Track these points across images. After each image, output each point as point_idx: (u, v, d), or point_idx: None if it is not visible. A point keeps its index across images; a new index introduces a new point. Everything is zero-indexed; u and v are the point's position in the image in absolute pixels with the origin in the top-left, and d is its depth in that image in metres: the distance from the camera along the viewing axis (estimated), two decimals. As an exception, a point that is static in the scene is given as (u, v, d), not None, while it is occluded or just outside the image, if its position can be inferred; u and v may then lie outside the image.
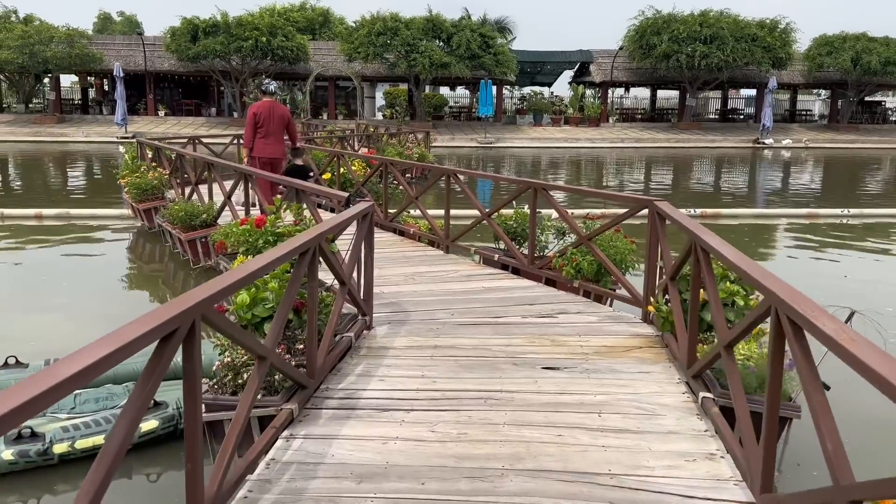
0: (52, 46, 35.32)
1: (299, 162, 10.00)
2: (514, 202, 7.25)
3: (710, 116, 47.27)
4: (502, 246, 7.36)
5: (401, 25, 36.12)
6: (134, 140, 12.38)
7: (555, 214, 6.99)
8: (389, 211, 9.28)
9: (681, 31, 36.56)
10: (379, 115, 45.34)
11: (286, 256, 3.29)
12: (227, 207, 8.18)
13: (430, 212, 8.87)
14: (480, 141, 35.39)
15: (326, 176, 10.66)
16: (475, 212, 8.50)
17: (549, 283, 6.47)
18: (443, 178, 8.03)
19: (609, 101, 43.13)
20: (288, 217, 5.79)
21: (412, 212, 9.18)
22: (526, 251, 6.98)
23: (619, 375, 4.28)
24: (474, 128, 39.98)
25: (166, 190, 10.70)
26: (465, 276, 6.80)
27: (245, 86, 36.63)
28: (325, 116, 41.77)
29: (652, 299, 4.96)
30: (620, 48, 40.57)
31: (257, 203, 7.44)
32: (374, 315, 5.29)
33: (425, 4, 39.98)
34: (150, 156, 12.13)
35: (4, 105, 43.87)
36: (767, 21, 38.26)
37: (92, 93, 46.00)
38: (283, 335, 3.96)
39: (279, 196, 6.34)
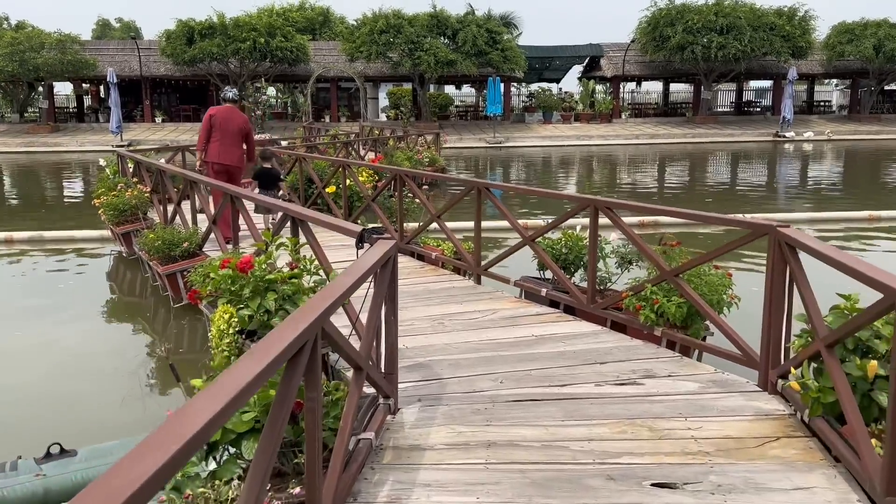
0: (44, 53, 34.04)
1: (268, 165, 9.04)
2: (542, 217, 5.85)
3: (723, 109, 45.75)
4: (548, 274, 5.98)
5: (404, 23, 34.74)
6: (114, 151, 11.03)
7: (613, 235, 5.62)
8: (406, 230, 7.92)
9: (695, 22, 35.08)
10: (383, 117, 43.97)
11: (271, 368, 1.92)
12: (213, 234, 6.82)
13: (453, 225, 7.49)
14: (489, 141, 34.01)
15: (331, 189, 9.31)
16: (504, 223, 7.10)
17: (616, 325, 5.10)
18: (471, 193, 6.64)
19: (620, 95, 41.67)
20: (283, 258, 4.43)
21: (431, 227, 7.80)
22: (582, 284, 5.61)
23: (767, 498, 2.89)
24: (482, 127, 38.57)
25: (150, 209, 9.36)
26: (508, 319, 5.42)
27: (244, 89, 35.27)
28: (327, 119, 40.41)
29: (793, 370, 3.56)
30: (632, 41, 39.10)
31: (247, 227, 6.07)
32: (398, 385, 3.92)
33: (428, 1, 38.49)
34: (131, 170, 10.82)
35: (-1, 115, 42.71)
36: (785, 9, 36.77)
37: (87, 100, 44.75)
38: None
39: (269, 227, 4.97)
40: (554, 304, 5.69)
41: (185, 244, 6.80)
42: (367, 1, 57.71)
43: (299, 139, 22.51)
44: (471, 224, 6.67)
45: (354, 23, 39.87)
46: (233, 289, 4.20)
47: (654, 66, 40.00)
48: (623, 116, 40.28)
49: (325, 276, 4.44)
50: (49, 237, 10.90)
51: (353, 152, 15.25)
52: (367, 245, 3.85)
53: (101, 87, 42.30)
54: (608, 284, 5.52)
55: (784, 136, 34.96)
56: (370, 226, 2.98)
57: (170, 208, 8.28)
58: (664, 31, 35.87)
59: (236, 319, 4.22)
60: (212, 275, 4.31)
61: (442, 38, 35.89)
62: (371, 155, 17.02)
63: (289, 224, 4.85)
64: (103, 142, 34.46)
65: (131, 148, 21.66)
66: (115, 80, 33.23)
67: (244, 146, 8.49)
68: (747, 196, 18.11)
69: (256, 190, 9.81)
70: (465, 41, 34.57)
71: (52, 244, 10.78)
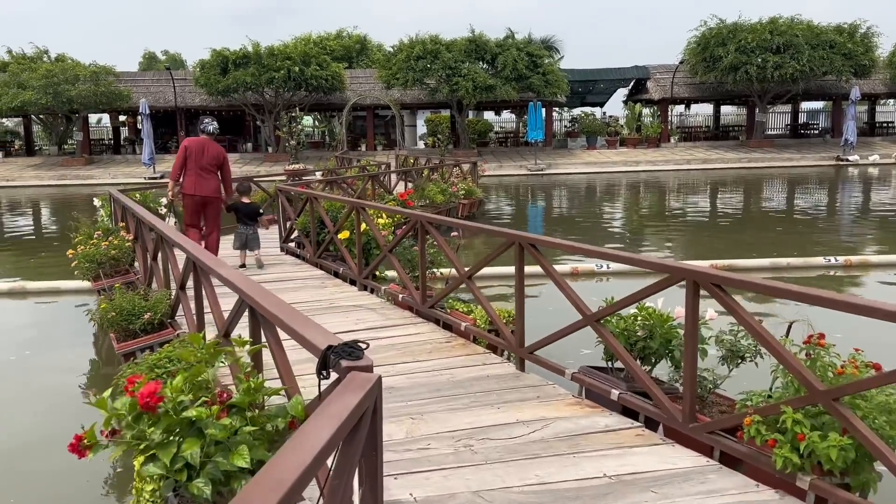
0: (78, 85, 33.66)
1: (245, 200, 8.95)
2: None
3: (777, 132, 43.44)
4: (617, 363, 4.34)
5: (441, 48, 33.53)
6: (107, 192, 9.72)
7: (709, 312, 3.96)
8: (431, 288, 6.37)
9: (749, 41, 33.15)
10: (421, 144, 42.78)
11: None
12: (181, 303, 5.33)
13: (491, 271, 5.89)
14: (530, 168, 32.44)
15: (344, 235, 7.82)
16: (547, 283, 5.48)
17: (727, 458, 3.43)
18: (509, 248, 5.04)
19: (669, 119, 39.76)
20: (223, 368, 2.90)
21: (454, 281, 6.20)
22: (671, 385, 3.97)
23: None
24: (523, 154, 37.04)
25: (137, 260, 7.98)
26: (567, 440, 3.78)
27: (278, 118, 34.37)
28: (363, 148, 39.35)
29: None
30: (681, 62, 37.28)
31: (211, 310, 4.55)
32: None
33: (466, 25, 37.26)
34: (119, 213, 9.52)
35: (37, 147, 42.63)
36: (845, 26, 34.59)
37: (125, 132, 44.54)
38: None
39: (245, 265, 3.52)
40: (629, 412, 4.04)
41: (148, 315, 5.34)
42: (405, 27, 56.99)
43: (325, 171, 21.25)
44: (510, 270, 5.08)
45: (391, 49, 38.88)
46: (138, 429, 2.67)
47: (704, 88, 38.09)
48: (672, 140, 38.34)
49: (286, 402, 2.89)
50: (32, 288, 9.60)
51: (377, 189, 13.80)
52: (334, 374, 2.30)
53: (138, 119, 42.03)
54: (710, 388, 3.85)
55: (847, 160, 32.65)
56: (344, 341, 1.93)
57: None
58: (715, 51, 34.00)
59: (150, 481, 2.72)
60: (118, 402, 2.79)
61: (480, 62, 34.60)
62: (401, 188, 15.57)
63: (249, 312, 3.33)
64: (136, 174, 33.85)
65: (122, 187, 20.71)
66: (148, 112, 32.66)
67: (219, 177, 8.40)
68: (816, 226, 16.15)
69: (259, 229, 8.81)
70: (504, 65, 33.19)
71: (34, 296, 9.49)
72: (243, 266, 8.73)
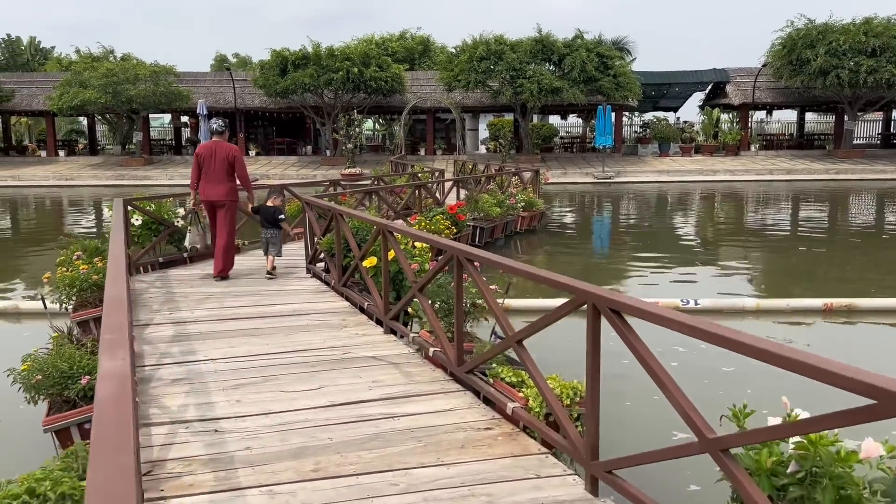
0: (138, 85, 33.37)
1: (271, 203, 8.63)
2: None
3: (864, 141, 40.19)
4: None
5: (506, 48, 31.93)
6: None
7: (868, 443, 2.31)
8: (469, 344, 4.83)
9: (841, 43, 30.44)
10: (482, 149, 41.22)
11: None
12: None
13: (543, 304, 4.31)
14: (597, 176, 30.52)
15: (370, 262, 6.34)
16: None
17: None
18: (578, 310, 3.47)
19: (749, 126, 37.16)
20: None
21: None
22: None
23: None
24: (589, 160, 35.12)
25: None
26: None
27: (336, 121, 33.37)
28: (422, 152, 38.07)
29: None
30: (764, 65, 34.70)
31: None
32: None
33: (533, 25, 35.51)
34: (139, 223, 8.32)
35: (100, 147, 42.81)
36: (950, 26, 31.48)
37: (186, 133, 44.44)
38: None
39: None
40: None
41: (86, 379, 3.96)
42: (470, 29, 55.59)
43: (374, 178, 19.95)
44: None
45: (454, 51, 37.50)
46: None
47: (788, 94, 35.43)
48: (752, 148, 35.74)
49: None
50: None
51: (423, 198, 12.28)
52: None
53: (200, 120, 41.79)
54: None
55: (951, 173, 29.64)
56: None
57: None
58: (802, 53, 31.37)
59: None
60: None
61: (547, 64, 32.86)
62: (453, 198, 14.03)
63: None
64: (192, 175, 33.39)
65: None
66: (206, 112, 32.07)
67: (234, 178, 8.24)
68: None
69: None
70: (572, 67, 31.36)
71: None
72: (269, 273, 8.32)
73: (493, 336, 5.12)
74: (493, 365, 4.52)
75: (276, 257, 8.47)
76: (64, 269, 6.52)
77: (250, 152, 38.14)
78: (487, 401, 4.35)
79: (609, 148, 32.47)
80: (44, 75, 41.54)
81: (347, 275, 7.00)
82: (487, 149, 39.60)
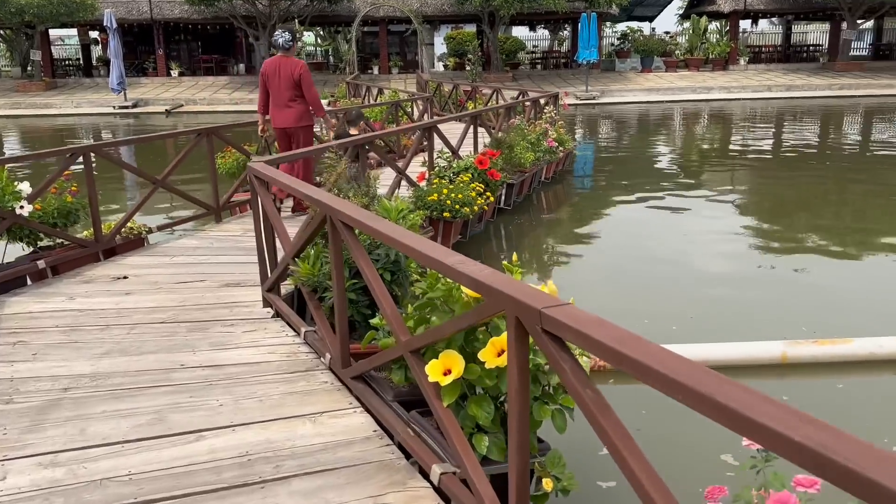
0: (29, -8, 27.53)
1: (353, 131, 7.70)
2: None
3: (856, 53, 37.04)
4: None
5: (474, -55, 27.19)
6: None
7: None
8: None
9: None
10: (439, 67, 36.45)
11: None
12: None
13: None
14: (580, 96, 26.62)
15: (437, 369, 2.50)
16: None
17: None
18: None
19: (738, 36, 33.49)
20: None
21: None
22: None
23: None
24: (565, 78, 31.18)
25: None
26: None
27: (273, 34, 28.34)
28: (375, 70, 33.31)
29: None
30: (759, -34, 30.83)
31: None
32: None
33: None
34: None
35: (-4, 69, 36.54)
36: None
37: (97, 51, 38.27)
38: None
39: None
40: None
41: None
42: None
43: (336, 99, 15.64)
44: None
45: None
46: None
47: (782, 0, 31.82)
48: (741, 62, 32.18)
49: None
50: None
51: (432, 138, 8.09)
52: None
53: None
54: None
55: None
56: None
57: None
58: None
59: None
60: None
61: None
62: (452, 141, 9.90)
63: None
64: (103, 102, 28.10)
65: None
66: (115, 25, 26.63)
67: (304, 100, 7.01)
68: None
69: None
70: (551, -32, 26.96)
71: None
72: None
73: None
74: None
75: None
76: None
77: (172, 72, 32.76)
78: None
79: (592, 63, 28.40)
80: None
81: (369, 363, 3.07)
82: (446, 66, 35.00)
